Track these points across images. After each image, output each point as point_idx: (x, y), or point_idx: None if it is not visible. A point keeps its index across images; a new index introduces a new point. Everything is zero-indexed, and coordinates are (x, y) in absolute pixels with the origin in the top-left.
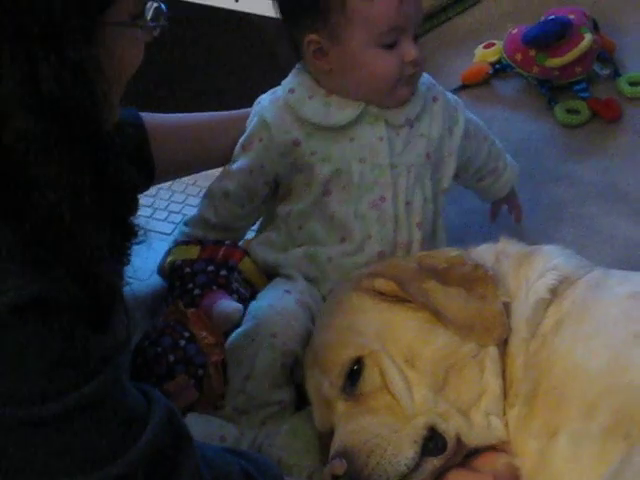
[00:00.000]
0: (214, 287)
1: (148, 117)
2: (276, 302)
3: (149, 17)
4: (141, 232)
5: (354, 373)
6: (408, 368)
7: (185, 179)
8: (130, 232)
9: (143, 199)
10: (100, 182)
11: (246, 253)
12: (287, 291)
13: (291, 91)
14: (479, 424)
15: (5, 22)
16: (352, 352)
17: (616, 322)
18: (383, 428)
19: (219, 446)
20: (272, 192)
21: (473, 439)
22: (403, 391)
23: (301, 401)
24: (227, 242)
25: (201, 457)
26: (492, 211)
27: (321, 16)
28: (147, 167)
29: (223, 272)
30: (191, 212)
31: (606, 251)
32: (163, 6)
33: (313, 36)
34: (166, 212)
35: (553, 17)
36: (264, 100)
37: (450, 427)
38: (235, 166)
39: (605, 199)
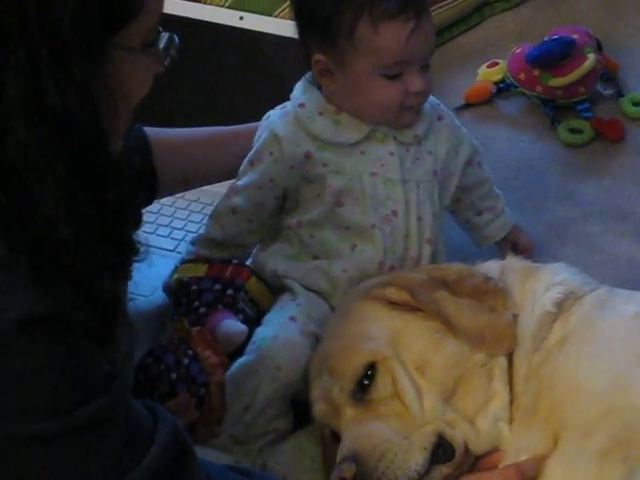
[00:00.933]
0: (220, 306)
1: (151, 131)
2: (281, 333)
3: (161, 46)
4: (142, 249)
5: (365, 379)
6: (418, 376)
7: (188, 196)
8: (131, 248)
9: (146, 215)
10: (100, 198)
11: (253, 272)
12: (292, 318)
13: (301, 106)
14: (486, 431)
15: (14, 36)
16: (365, 358)
17: (620, 343)
18: (393, 434)
19: (223, 464)
20: (280, 206)
21: (480, 446)
22: (413, 399)
23: (299, 423)
24: (234, 261)
25: (205, 476)
26: (501, 252)
27: (329, 38)
28: (151, 181)
29: (229, 291)
30: (193, 229)
31: (608, 270)
32: (176, 38)
33: (320, 56)
34: (169, 229)
35: (557, 37)
36: (273, 115)
37: (458, 435)
38: (243, 182)
39: (607, 219)
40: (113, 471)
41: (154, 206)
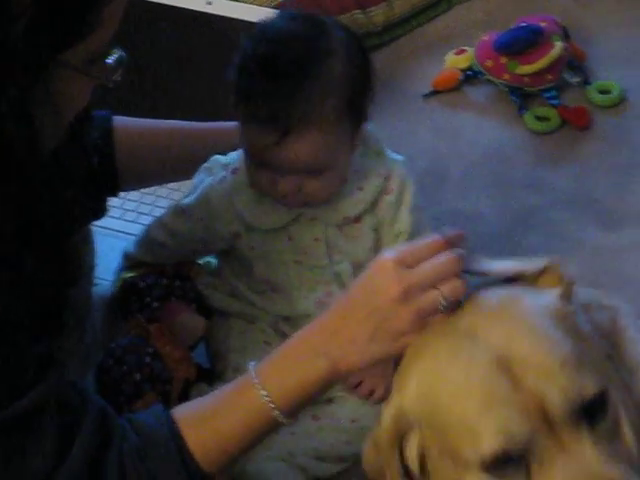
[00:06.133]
0: (172, 299)
1: (119, 121)
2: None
3: (110, 62)
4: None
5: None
6: None
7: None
8: (73, 254)
9: (112, 200)
10: (30, 211)
11: (194, 262)
12: (267, 343)
13: (234, 172)
14: None
15: None
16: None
17: None
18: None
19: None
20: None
21: None
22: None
23: None
24: None
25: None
26: None
27: None
28: (110, 176)
29: (177, 283)
30: (158, 213)
31: (574, 257)
32: (125, 57)
33: None
34: (135, 214)
35: (524, 25)
36: (216, 175)
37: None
38: (176, 226)
39: (574, 206)
40: (49, 460)
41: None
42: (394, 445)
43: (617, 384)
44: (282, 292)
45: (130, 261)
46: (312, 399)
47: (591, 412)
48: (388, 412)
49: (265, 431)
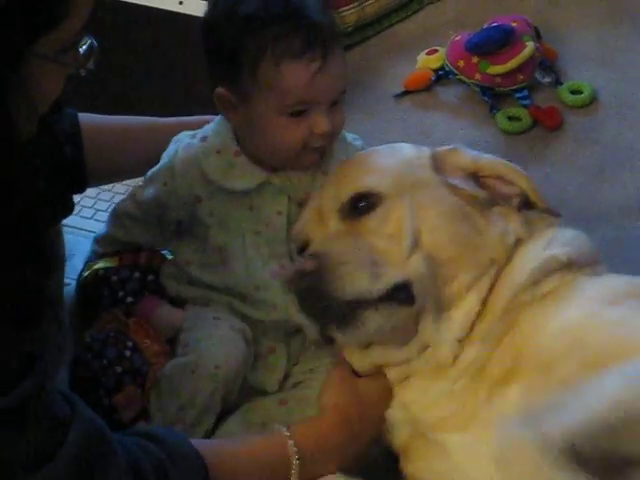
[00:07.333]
0: (146, 293)
1: (86, 118)
2: (213, 331)
3: (82, 52)
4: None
5: (363, 201)
6: (422, 232)
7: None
8: (46, 244)
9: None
10: (5, 202)
11: (165, 257)
12: (216, 318)
13: (203, 139)
14: (441, 325)
15: None
16: (375, 183)
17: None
18: (365, 256)
19: (135, 436)
20: (180, 221)
21: (425, 324)
22: (407, 245)
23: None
24: (145, 248)
25: (124, 460)
26: None
27: (233, 73)
28: (77, 172)
29: (151, 277)
30: None
31: None
32: (95, 44)
33: (223, 90)
34: (92, 210)
35: (496, 25)
36: (181, 142)
37: (422, 294)
38: (140, 194)
39: None
40: (33, 458)
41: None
42: None
43: (435, 207)
44: (235, 263)
45: (102, 243)
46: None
47: (356, 206)
48: None
49: None
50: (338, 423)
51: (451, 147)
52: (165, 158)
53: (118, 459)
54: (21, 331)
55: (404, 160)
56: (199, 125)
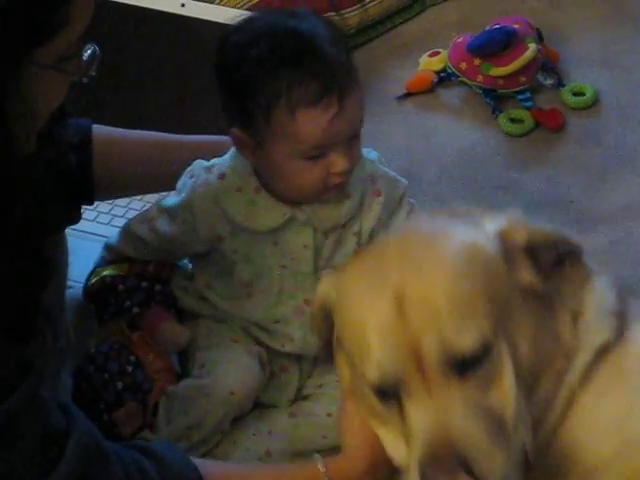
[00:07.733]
0: (152, 304)
1: (103, 130)
2: (229, 355)
3: (84, 59)
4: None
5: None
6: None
7: None
8: (46, 259)
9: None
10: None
11: (174, 267)
12: (233, 340)
13: (221, 177)
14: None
15: None
16: (486, 331)
17: None
18: (487, 434)
19: (133, 449)
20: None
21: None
22: (515, 396)
23: None
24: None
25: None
26: None
27: (247, 116)
28: (87, 185)
29: (158, 287)
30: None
31: None
32: (98, 50)
33: (238, 131)
34: (110, 216)
35: (498, 26)
36: (198, 177)
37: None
38: (158, 223)
39: (548, 208)
40: (28, 474)
41: None
42: (322, 319)
43: (520, 329)
44: (259, 297)
45: (111, 253)
46: None
47: (469, 362)
48: (319, 290)
49: None
50: (366, 465)
51: (508, 217)
52: (182, 193)
53: (114, 475)
54: (14, 343)
55: (483, 264)
56: (212, 146)
